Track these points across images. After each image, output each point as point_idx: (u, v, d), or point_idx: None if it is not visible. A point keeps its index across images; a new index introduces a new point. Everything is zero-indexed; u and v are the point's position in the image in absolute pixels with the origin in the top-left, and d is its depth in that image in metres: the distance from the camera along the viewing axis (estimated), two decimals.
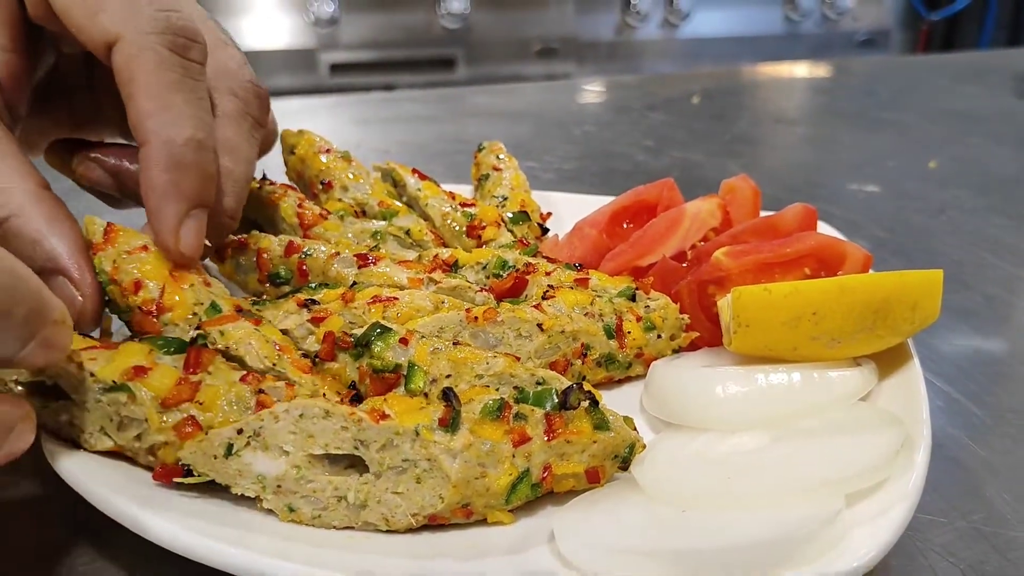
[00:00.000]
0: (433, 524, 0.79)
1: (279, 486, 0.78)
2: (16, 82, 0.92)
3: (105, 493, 0.76)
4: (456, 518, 0.79)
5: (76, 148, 1.03)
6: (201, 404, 0.80)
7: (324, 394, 0.85)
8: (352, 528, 0.79)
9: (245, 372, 0.83)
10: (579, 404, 0.82)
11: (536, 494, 0.82)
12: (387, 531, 0.79)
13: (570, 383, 0.84)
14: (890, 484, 0.77)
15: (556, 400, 0.82)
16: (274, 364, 0.86)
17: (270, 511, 0.79)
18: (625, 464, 0.85)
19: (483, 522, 0.81)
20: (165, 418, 0.79)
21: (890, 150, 2.11)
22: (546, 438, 0.80)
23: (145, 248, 0.93)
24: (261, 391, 0.82)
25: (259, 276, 1.13)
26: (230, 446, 0.77)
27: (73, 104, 1.11)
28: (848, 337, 0.90)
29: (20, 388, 0.84)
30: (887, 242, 1.53)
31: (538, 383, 0.89)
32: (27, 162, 0.88)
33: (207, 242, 0.99)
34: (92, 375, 0.80)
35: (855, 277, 0.88)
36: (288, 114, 2.39)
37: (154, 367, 0.81)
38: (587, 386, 0.87)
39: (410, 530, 0.79)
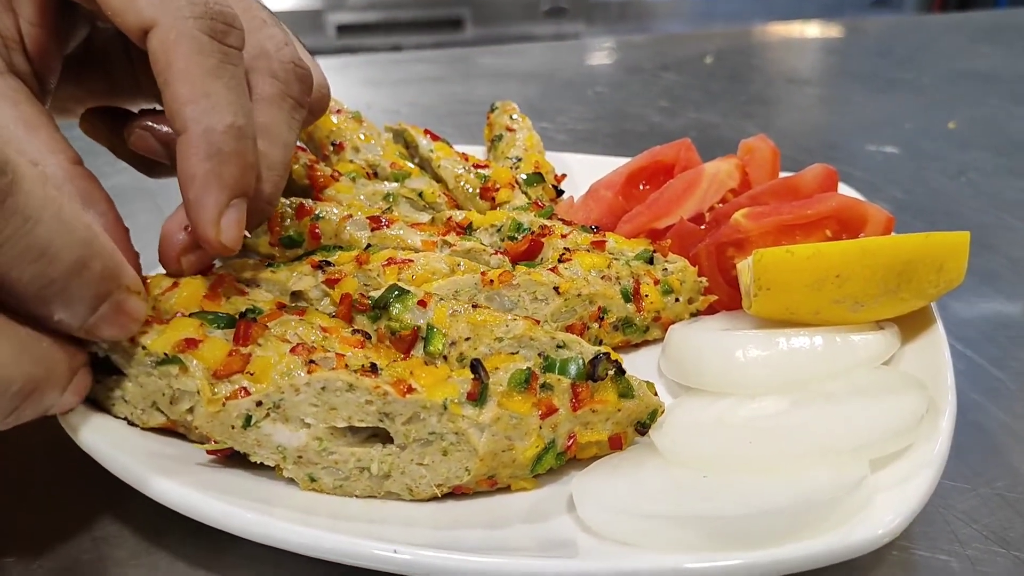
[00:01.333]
0: (456, 492, 0.79)
1: (300, 456, 0.77)
2: (45, 56, 0.90)
3: (125, 460, 0.76)
4: (480, 487, 0.79)
5: (114, 117, 1.02)
6: (252, 375, 0.79)
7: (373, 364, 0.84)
8: (374, 497, 0.78)
9: (296, 344, 0.82)
10: (607, 374, 0.80)
11: (560, 462, 0.81)
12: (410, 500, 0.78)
13: (597, 351, 0.83)
14: (914, 450, 0.76)
15: (583, 368, 0.81)
16: (321, 345, 0.85)
17: (291, 479, 0.78)
18: (644, 429, 0.85)
19: (505, 488, 0.80)
20: (217, 389, 0.78)
21: (907, 111, 2.07)
22: (572, 408, 0.79)
23: (175, 284, 0.92)
24: (312, 361, 0.81)
25: (270, 239, 1.11)
26: (249, 418, 0.76)
27: (109, 73, 1.09)
28: (871, 300, 0.88)
29: None
30: (907, 204, 1.51)
31: (559, 346, 0.88)
32: (60, 137, 0.86)
33: (246, 232, 0.98)
34: (144, 348, 0.79)
35: (878, 239, 0.86)
36: None
37: (205, 339, 0.80)
38: (613, 354, 0.86)
39: (432, 498, 0.78)
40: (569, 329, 0.99)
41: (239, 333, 0.82)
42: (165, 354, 0.79)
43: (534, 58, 2.51)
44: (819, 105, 2.18)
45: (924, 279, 0.88)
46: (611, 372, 0.82)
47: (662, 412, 0.85)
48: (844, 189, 1.19)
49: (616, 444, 0.83)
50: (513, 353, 0.88)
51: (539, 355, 0.83)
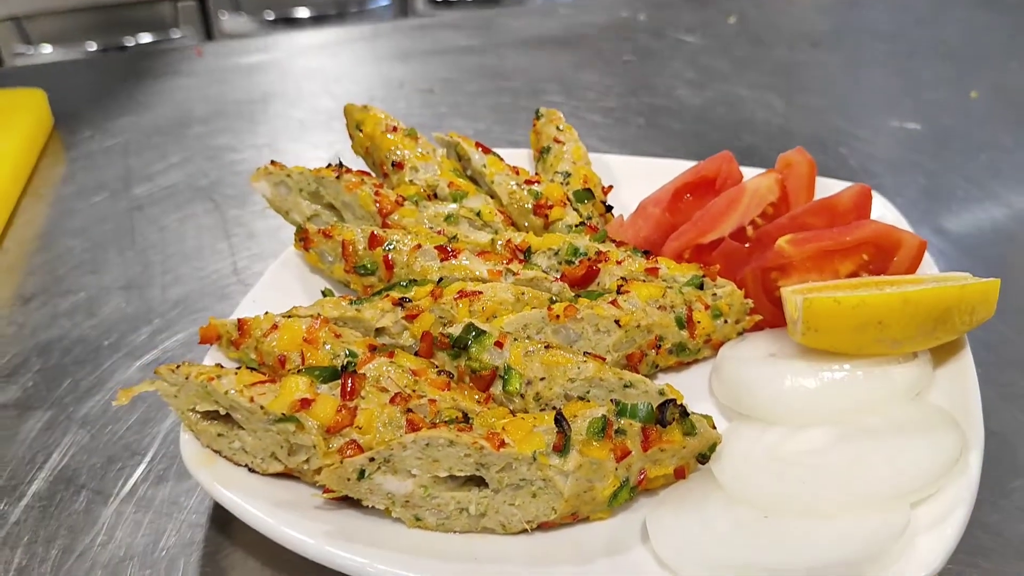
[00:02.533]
0: (543, 526, 0.90)
1: (407, 501, 0.88)
2: None
3: (258, 516, 0.87)
4: (564, 521, 0.90)
5: None
6: (360, 429, 0.89)
7: (465, 414, 0.94)
8: (472, 532, 0.89)
9: (394, 394, 0.92)
10: (673, 419, 0.90)
11: (633, 496, 0.92)
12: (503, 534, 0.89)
13: (664, 399, 0.93)
14: (948, 487, 0.86)
15: (652, 414, 0.90)
16: (414, 390, 0.95)
17: (398, 519, 0.89)
18: (705, 460, 0.95)
19: (584, 519, 0.91)
20: (331, 444, 0.89)
21: (929, 78, 2.11)
22: (643, 448, 0.89)
23: (275, 327, 1.03)
24: (409, 410, 0.91)
25: (345, 267, 1.20)
26: (362, 472, 0.87)
27: None
28: (909, 340, 0.97)
29: (198, 416, 0.94)
30: (932, 189, 1.58)
31: (626, 386, 0.98)
32: None
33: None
34: (263, 408, 0.89)
35: (919, 292, 0.94)
36: (328, 46, 2.41)
37: (316, 398, 0.90)
38: (676, 395, 0.96)
39: (522, 532, 0.89)
40: (629, 357, 1.08)
41: (345, 388, 0.92)
42: (283, 414, 0.89)
43: (561, 20, 2.53)
44: (843, 74, 2.21)
45: (958, 320, 0.97)
46: (677, 416, 0.92)
47: (719, 443, 0.96)
48: (878, 202, 1.27)
49: (680, 474, 0.94)
50: (585, 393, 0.98)
51: (612, 401, 0.93)
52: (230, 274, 1.46)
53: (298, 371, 0.94)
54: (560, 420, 0.88)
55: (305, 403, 0.90)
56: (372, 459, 0.87)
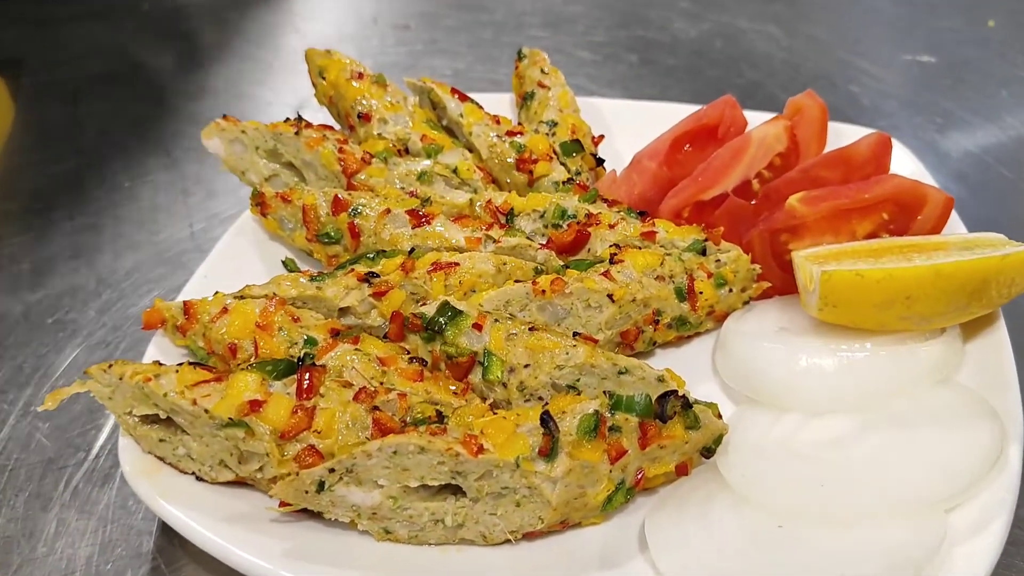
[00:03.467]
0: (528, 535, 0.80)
1: (374, 513, 0.78)
2: None
3: (205, 532, 0.77)
4: (552, 530, 0.80)
5: None
6: (319, 433, 0.79)
7: (439, 412, 0.83)
8: (449, 544, 0.79)
9: (357, 390, 0.82)
10: (675, 413, 0.80)
11: (630, 498, 0.82)
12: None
13: (664, 388, 0.82)
14: (987, 488, 0.76)
15: (650, 407, 0.80)
16: (381, 383, 0.84)
17: (365, 532, 0.79)
18: (710, 453, 0.85)
19: (575, 524, 0.81)
20: (286, 451, 0.78)
21: (942, 5, 1.95)
22: (640, 446, 0.79)
23: (225, 310, 0.91)
24: (376, 408, 0.81)
25: (307, 234, 1.07)
26: (322, 483, 0.76)
27: None
28: (939, 316, 0.87)
29: (136, 420, 0.83)
30: (950, 131, 1.45)
31: (621, 372, 0.87)
32: None
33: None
34: (207, 411, 0.78)
35: (954, 264, 0.83)
36: None
37: (268, 399, 0.79)
38: (678, 383, 0.86)
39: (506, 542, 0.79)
40: (624, 335, 0.97)
41: (301, 385, 0.81)
42: (230, 418, 0.78)
43: None
44: (848, 1, 2.05)
45: (995, 293, 0.86)
46: (678, 408, 0.81)
47: (726, 434, 0.86)
48: (899, 151, 1.14)
49: (682, 471, 0.84)
50: (575, 381, 0.87)
51: (605, 393, 0.82)
52: (187, 239, 1.33)
53: (248, 366, 0.83)
54: (546, 420, 0.77)
55: (255, 405, 0.79)
56: (332, 470, 0.76)
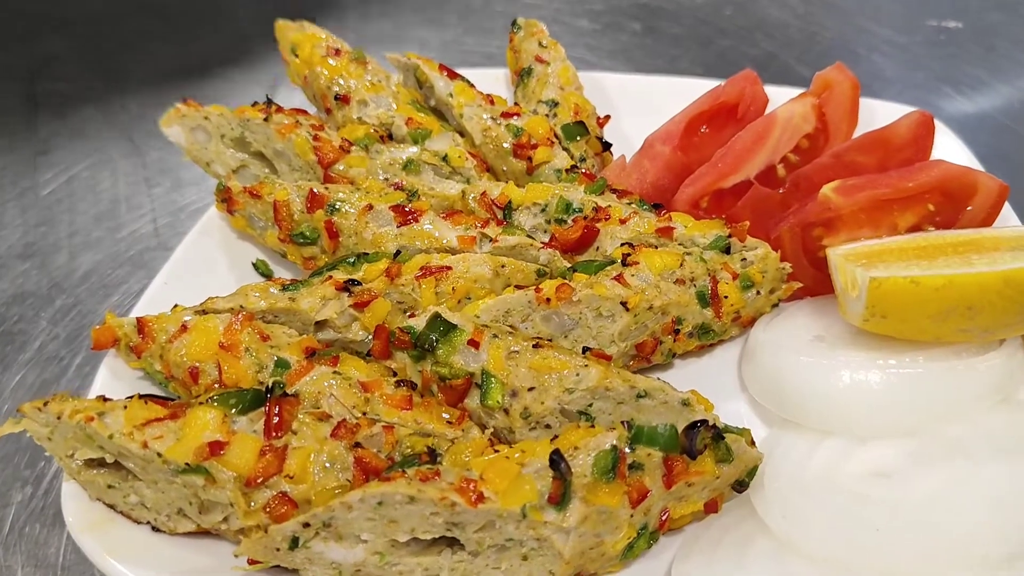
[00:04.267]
0: None
1: (358, 571, 0.67)
2: None
3: None
4: None
5: None
6: (292, 478, 0.67)
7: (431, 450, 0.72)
8: None
9: (336, 424, 0.70)
10: (704, 447, 0.69)
11: (652, 542, 0.71)
12: None
13: (692, 417, 0.71)
14: None
15: (675, 439, 0.69)
16: (364, 412, 0.73)
17: None
18: (743, 487, 0.74)
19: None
20: (253, 500, 0.67)
21: None
22: (665, 485, 0.68)
23: (184, 328, 0.79)
24: (358, 444, 0.69)
25: (279, 234, 0.95)
26: (296, 539, 0.65)
27: None
28: (1003, 328, 0.76)
29: (79, 464, 0.71)
30: (984, 104, 1.33)
31: (639, 396, 0.76)
32: None
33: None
34: (160, 455, 0.67)
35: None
36: None
37: (231, 439, 0.68)
38: (707, 409, 0.75)
39: None
40: (640, 347, 0.86)
41: (270, 422, 0.70)
42: (187, 463, 0.67)
43: None
44: None
45: None
46: (709, 441, 0.70)
47: (760, 463, 0.75)
48: (941, 132, 1.02)
49: (712, 508, 0.74)
50: (587, 407, 0.76)
51: (623, 424, 0.71)
52: (150, 235, 1.21)
53: (209, 399, 0.71)
54: (557, 462, 0.66)
55: (216, 447, 0.68)
56: (307, 524, 0.65)
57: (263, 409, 0.71)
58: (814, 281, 0.92)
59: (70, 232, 1.22)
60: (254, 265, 1.00)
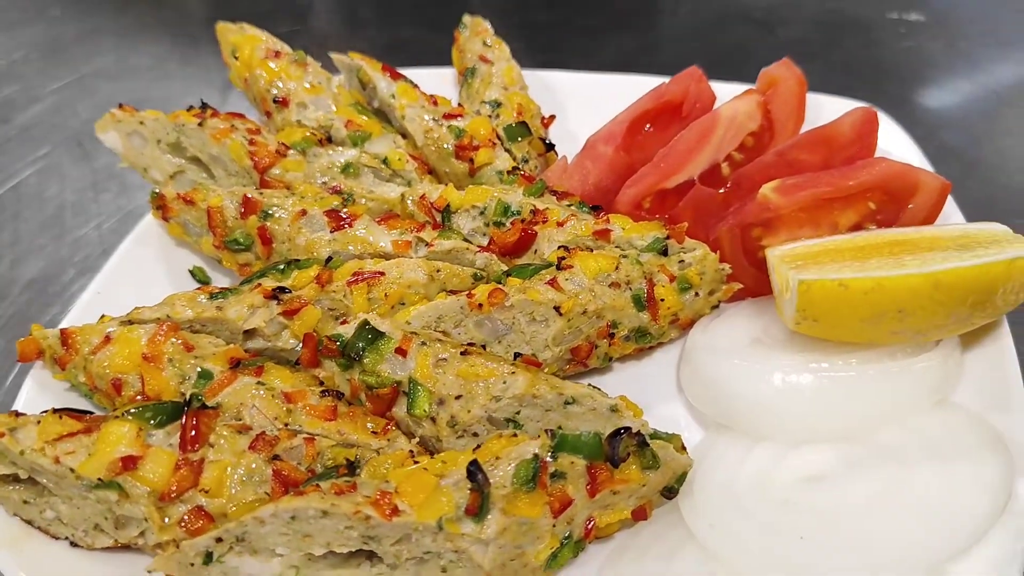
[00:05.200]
0: None
1: None
2: None
3: None
4: None
5: None
6: (207, 492, 0.66)
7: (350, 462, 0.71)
8: None
9: (254, 436, 0.69)
10: (628, 455, 0.68)
11: (579, 551, 0.70)
12: None
13: (617, 424, 0.70)
14: (995, 533, 0.64)
15: (599, 447, 0.68)
16: (287, 424, 0.72)
17: None
18: (672, 494, 0.73)
19: None
20: (168, 515, 0.66)
21: None
22: (589, 494, 0.67)
23: (107, 339, 0.78)
24: (276, 457, 0.68)
25: (214, 241, 0.94)
26: (209, 555, 0.64)
27: None
28: (936, 329, 0.74)
29: None
30: (944, 102, 1.32)
31: (567, 403, 0.75)
32: None
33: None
34: (72, 471, 0.66)
35: (953, 271, 0.70)
36: None
37: (145, 453, 0.67)
38: (634, 413, 0.74)
39: None
40: (575, 351, 0.85)
41: (186, 435, 0.68)
42: (99, 479, 0.65)
43: None
44: None
45: (1000, 301, 0.73)
46: (633, 448, 0.69)
47: (690, 469, 0.74)
48: (887, 127, 1.01)
49: (640, 515, 0.72)
50: (514, 415, 0.75)
51: (546, 432, 0.70)
52: (96, 242, 1.19)
53: (124, 413, 0.70)
54: (474, 473, 0.64)
55: (130, 462, 0.66)
56: (220, 539, 0.64)
57: (181, 422, 0.70)
58: (755, 282, 0.91)
59: (12, 239, 1.21)
60: (191, 272, 0.98)
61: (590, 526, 0.70)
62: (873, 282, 0.71)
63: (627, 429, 0.69)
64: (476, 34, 1.17)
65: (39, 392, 0.82)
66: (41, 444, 0.67)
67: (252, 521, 0.63)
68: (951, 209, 0.92)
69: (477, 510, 0.64)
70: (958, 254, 0.73)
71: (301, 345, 0.82)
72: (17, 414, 0.71)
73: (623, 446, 0.68)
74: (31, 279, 1.14)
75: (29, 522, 0.71)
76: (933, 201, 0.88)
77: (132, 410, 0.70)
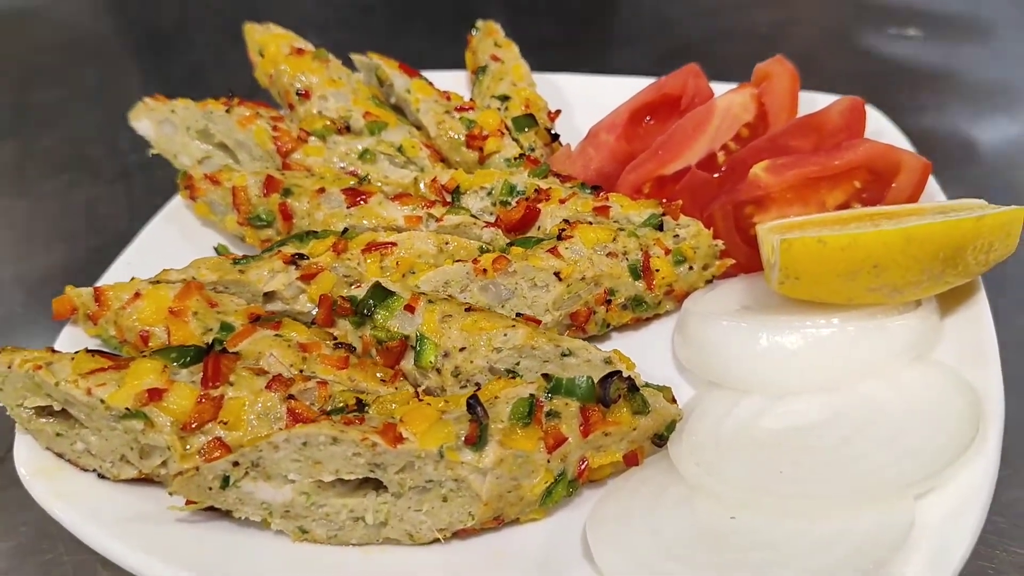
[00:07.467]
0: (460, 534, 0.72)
1: (287, 511, 0.70)
2: None
3: (99, 534, 0.70)
4: (487, 527, 0.72)
5: None
6: (226, 423, 0.71)
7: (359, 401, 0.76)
8: (372, 544, 0.72)
9: (271, 378, 0.75)
10: (619, 396, 0.72)
11: (573, 491, 0.74)
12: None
13: (609, 370, 0.75)
14: (962, 472, 0.68)
15: (592, 390, 0.72)
16: (301, 369, 0.77)
17: (281, 531, 0.72)
18: (662, 441, 0.77)
19: (514, 520, 0.74)
20: (189, 444, 0.71)
21: None
22: (582, 434, 0.72)
23: (137, 295, 0.85)
24: (291, 396, 0.74)
25: (238, 218, 1.00)
26: (226, 478, 0.69)
27: None
28: (911, 286, 0.79)
29: (31, 412, 0.76)
30: (941, 119, 1.37)
31: (564, 355, 0.79)
32: None
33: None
34: (103, 401, 0.71)
35: (924, 227, 0.75)
36: None
37: (170, 387, 0.72)
38: (624, 362, 0.78)
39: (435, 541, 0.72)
40: (574, 316, 0.90)
41: (207, 373, 0.74)
42: (127, 408, 0.71)
43: None
44: None
45: (971, 260, 0.78)
46: (623, 391, 0.74)
47: (679, 420, 0.78)
48: (873, 117, 1.06)
49: (632, 461, 0.76)
50: (514, 365, 0.80)
51: (543, 376, 0.75)
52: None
53: (152, 353, 0.75)
54: (473, 405, 0.69)
55: (155, 394, 0.72)
56: (236, 463, 0.69)
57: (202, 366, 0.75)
58: (746, 258, 0.96)
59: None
60: (215, 249, 1.04)
61: (583, 466, 0.74)
62: (849, 238, 0.76)
63: (618, 373, 0.74)
64: (488, 35, 1.24)
65: (71, 347, 0.88)
66: (75, 377, 0.73)
67: (267, 446, 0.68)
68: (934, 190, 0.97)
69: (476, 439, 0.68)
70: (932, 216, 0.78)
71: (317, 308, 0.88)
72: (53, 350, 0.77)
73: (614, 388, 0.73)
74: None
75: (60, 455, 0.76)
76: (916, 180, 0.93)
77: (158, 351, 0.76)
